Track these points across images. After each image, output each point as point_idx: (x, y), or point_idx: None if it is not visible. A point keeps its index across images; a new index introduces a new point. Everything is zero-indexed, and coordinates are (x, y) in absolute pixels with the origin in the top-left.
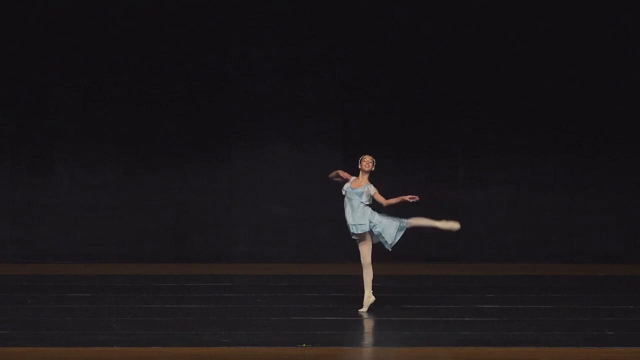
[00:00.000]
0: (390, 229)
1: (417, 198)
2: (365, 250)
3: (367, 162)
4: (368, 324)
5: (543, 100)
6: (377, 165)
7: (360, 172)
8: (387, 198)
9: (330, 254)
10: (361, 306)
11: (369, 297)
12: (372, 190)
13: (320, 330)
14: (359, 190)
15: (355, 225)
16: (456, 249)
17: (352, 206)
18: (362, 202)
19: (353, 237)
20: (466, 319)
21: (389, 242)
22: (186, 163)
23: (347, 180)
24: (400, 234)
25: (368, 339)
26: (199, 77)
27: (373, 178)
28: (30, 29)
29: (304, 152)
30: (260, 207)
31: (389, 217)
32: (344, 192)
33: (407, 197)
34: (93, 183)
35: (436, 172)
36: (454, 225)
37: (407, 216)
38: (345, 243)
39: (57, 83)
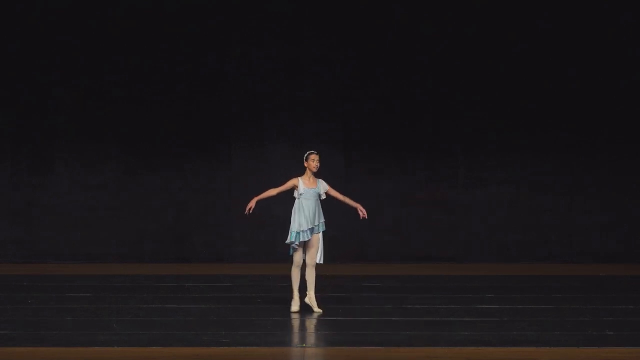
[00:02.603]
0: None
1: (365, 217)
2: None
3: (316, 163)
4: (368, 324)
5: (543, 100)
6: (377, 165)
7: (308, 172)
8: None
9: (330, 254)
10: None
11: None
12: (325, 184)
13: (320, 330)
14: (316, 189)
15: (320, 224)
16: (456, 249)
17: (310, 207)
18: (321, 200)
19: (299, 241)
20: (466, 319)
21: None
22: (186, 163)
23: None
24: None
25: (368, 338)
26: (199, 77)
27: (379, 174)
28: (30, 29)
29: (303, 153)
30: (260, 207)
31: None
32: (298, 196)
33: (360, 209)
34: (93, 183)
35: (436, 172)
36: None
37: None
38: (344, 243)
39: (57, 83)
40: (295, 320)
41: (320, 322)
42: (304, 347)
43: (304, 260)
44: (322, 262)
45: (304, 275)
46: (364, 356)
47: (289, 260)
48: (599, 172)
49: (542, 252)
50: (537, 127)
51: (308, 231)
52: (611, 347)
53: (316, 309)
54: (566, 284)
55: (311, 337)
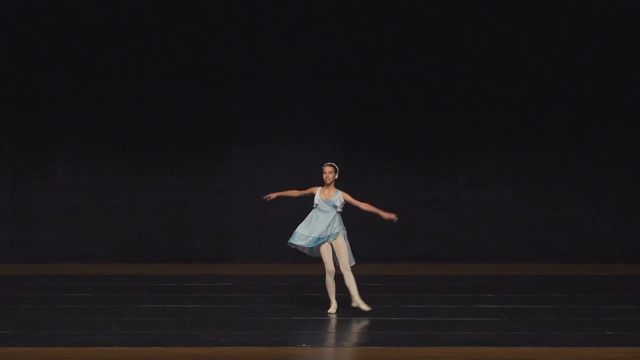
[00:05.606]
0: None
1: (395, 219)
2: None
3: (327, 175)
4: (368, 324)
5: (543, 100)
6: (377, 165)
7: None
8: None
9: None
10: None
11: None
12: (342, 197)
13: (320, 330)
14: (332, 200)
15: (333, 234)
16: (456, 249)
17: (323, 218)
18: (338, 212)
19: (300, 245)
20: (466, 319)
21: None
22: (186, 163)
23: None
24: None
25: (368, 338)
26: (199, 77)
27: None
28: (30, 29)
29: (304, 152)
30: (260, 207)
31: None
32: (315, 205)
33: (385, 215)
34: (93, 183)
35: (436, 172)
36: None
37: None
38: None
39: (57, 83)
40: (295, 320)
41: (320, 322)
42: (304, 347)
43: (337, 267)
44: (354, 262)
45: (342, 281)
46: (364, 356)
47: (289, 260)
48: (599, 172)
49: (542, 252)
50: (537, 127)
51: (312, 239)
52: (611, 347)
53: (365, 307)
54: (566, 284)
55: (311, 337)
